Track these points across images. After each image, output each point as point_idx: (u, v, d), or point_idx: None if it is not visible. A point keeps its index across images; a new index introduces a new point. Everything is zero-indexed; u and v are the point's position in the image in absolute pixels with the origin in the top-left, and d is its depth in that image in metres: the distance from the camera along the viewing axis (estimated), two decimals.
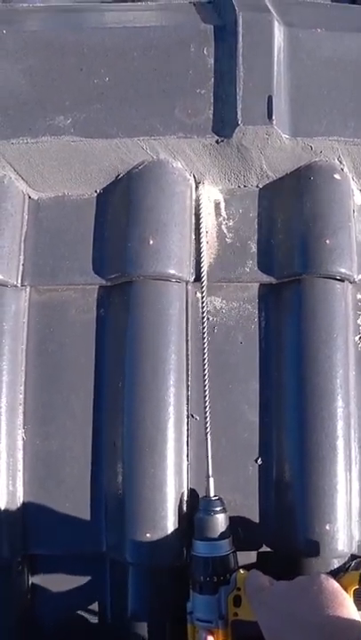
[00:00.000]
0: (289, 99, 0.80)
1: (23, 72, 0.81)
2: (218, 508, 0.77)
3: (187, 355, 0.84)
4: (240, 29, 0.79)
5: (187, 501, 0.81)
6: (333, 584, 0.64)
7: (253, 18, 0.79)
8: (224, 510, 0.78)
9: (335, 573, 0.76)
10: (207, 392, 0.82)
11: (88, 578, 0.86)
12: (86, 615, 0.88)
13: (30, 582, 0.86)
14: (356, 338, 0.86)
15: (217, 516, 0.77)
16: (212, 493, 0.79)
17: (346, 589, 0.65)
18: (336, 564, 0.80)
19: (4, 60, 0.81)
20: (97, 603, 0.86)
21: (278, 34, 0.79)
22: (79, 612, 0.88)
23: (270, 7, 0.81)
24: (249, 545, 0.82)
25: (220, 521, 0.77)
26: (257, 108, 0.78)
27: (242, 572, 0.74)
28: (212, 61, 0.81)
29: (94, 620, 0.87)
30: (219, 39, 0.81)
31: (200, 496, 0.80)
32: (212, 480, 0.79)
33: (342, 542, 0.78)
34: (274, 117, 0.77)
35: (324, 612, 0.59)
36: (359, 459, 0.82)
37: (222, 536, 0.76)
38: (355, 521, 0.80)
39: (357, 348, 0.86)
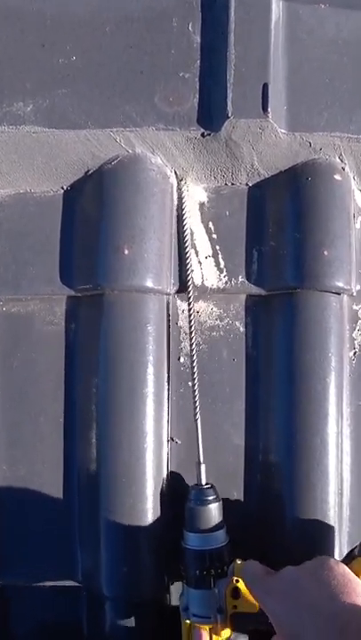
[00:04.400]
0: (287, 87, 0.69)
1: None
2: (210, 497, 0.72)
3: (168, 374, 0.77)
4: (232, 1, 0.66)
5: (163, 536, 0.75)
6: (344, 569, 0.60)
7: None
8: (217, 499, 0.72)
9: (344, 558, 0.74)
10: (197, 409, 0.74)
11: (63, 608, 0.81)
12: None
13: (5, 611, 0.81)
14: (351, 353, 0.79)
15: (210, 505, 0.71)
16: (203, 481, 0.73)
17: (357, 575, 0.61)
18: None
19: None
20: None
21: (276, 9, 0.67)
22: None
23: None
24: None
25: (214, 511, 0.72)
26: (250, 98, 0.67)
27: (238, 562, 0.70)
28: (199, 39, 0.68)
29: None
30: (207, 12, 0.68)
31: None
32: (203, 466, 0.73)
33: None
34: (269, 109, 0.67)
35: (337, 599, 0.56)
36: (349, 485, 0.77)
37: (217, 527, 0.71)
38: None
39: (352, 364, 0.79)
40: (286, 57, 0.69)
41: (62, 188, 0.77)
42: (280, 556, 0.71)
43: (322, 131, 0.70)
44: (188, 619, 0.70)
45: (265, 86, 0.67)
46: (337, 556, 0.74)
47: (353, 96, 0.70)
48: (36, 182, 0.76)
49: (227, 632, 0.69)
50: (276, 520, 0.76)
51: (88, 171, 0.75)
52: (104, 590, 0.75)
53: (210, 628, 0.69)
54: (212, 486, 0.73)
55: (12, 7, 0.68)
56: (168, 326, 0.77)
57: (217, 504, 0.72)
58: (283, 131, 0.69)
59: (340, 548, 0.75)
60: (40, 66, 0.69)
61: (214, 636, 0.69)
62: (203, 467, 0.73)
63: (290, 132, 0.69)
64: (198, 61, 0.69)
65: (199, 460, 0.74)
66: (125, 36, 0.69)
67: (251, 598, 0.67)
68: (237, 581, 0.68)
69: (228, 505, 0.74)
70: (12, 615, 0.81)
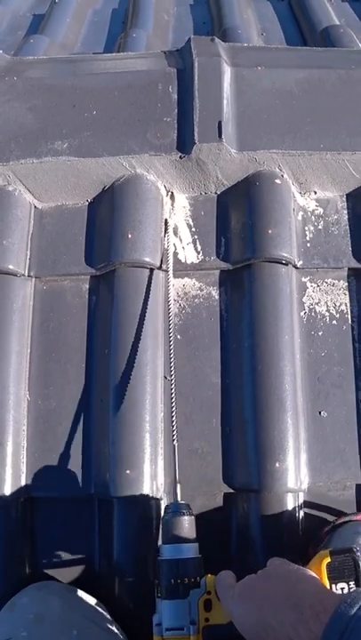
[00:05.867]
0: (236, 122, 1.02)
1: (30, 109, 1.05)
2: (184, 511, 0.81)
3: (165, 327, 1.03)
4: (196, 71, 1.02)
5: (161, 447, 0.98)
6: (288, 565, 0.69)
7: (206, 62, 1.02)
8: (190, 515, 0.81)
9: (315, 545, 0.87)
10: (175, 439, 0.90)
11: (80, 520, 1.02)
12: (78, 557, 1.03)
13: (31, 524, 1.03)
14: (302, 313, 1.04)
15: (185, 517, 0.80)
16: (179, 497, 0.85)
17: (321, 565, 0.71)
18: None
19: (15, 101, 1.05)
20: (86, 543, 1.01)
21: (226, 73, 1.02)
22: (72, 553, 1.02)
23: (222, 53, 1.04)
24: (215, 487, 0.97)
25: (188, 524, 0.79)
26: (210, 130, 0.99)
27: (210, 575, 0.75)
28: (176, 96, 1.04)
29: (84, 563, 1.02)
30: (181, 79, 1.04)
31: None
32: (178, 486, 0.87)
33: (291, 480, 0.94)
34: (223, 136, 0.99)
35: (288, 588, 0.63)
36: (304, 409, 0.99)
37: (190, 539, 0.79)
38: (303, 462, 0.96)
39: (302, 321, 1.04)
40: (235, 102, 1.02)
41: (87, 200, 1.10)
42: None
43: (263, 149, 1.01)
44: (161, 635, 0.73)
45: (219, 122, 0.99)
46: (291, 457, 0.94)
47: (283, 124, 1.01)
48: (69, 197, 1.10)
49: None
50: (242, 440, 0.97)
51: (105, 186, 1.08)
52: (111, 492, 0.96)
53: None
54: (188, 504, 0.83)
55: (56, 84, 1.06)
56: (162, 296, 1.05)
57: (190, 518, 0.80)
58: (234, 150, 1.01)
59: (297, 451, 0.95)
60: (72, 118, 1.04)
61: None
62: (178, 486, 0.86)
63: (240, 151, 1.01)
64: (175, 110, 1.03)
65: (175, 479, 0.87)
66: (127, 97, 1.04)
67: (223, 610, 0.71)
68: (210, 593, 0.73)
69: (208, 429, 0.96)
70: (39, 520, 1.02)
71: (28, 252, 1.07)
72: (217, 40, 1.09)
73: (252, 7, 1.82)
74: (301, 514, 0.97)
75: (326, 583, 0.68)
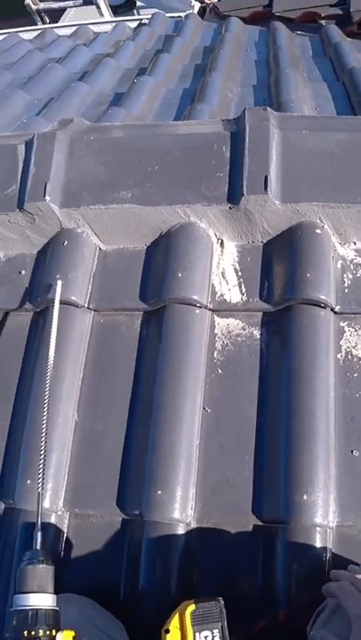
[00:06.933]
0: (281, 177, 1.12)
1: (102, 163, 1.21)
2: (42, 559, 0.77)
3: (206, 362, 1.11)
4: (247, 133, 1.14)
5: (194, 472, 1.02)
6: None
7: (257, 125, 1.15)
8: (49, 564, 0.77)
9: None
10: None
11: (111, 538, 1.06)
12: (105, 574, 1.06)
13: (65, 537, 1.08)
14: (338, 355, 1.09)
15: (41, 566, 0.76)
16: (38, 546, 0.82)
17: (185, 612, 0.72)
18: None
19: (90, 156, 1.21)
20: (114, 561, 1.06)
21: (274, 135, 1.14)
22: (100, 570, 1.05)
23: (271, 119, 1.17)
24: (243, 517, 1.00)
25: (44, 573, 0.75)
26: (257, 184, 1.10)
27: (67, 631, 0.73)
28: (229, 155, 1.16)
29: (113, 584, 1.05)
30: (233, 140, 1.17)
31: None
32: (39, 533, 0.85)
33: (319, 514, 0.95)
34: (268, 189, 1.09)
35: None
36: (336, 447, 1.01)
37: (46, 590, 0.74)
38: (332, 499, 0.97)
39: (339, 363, 1.08)
40: (281, 161, 1.13)
41: (145, 244, 1.23)
42: None
43: (304, 201, 1.10)
44: None
45: (265, 177, 1.10)
46: (319, 491, 0.95)
47: (324, 180, 1.11)
48: (130, 240, 1.23)
49: None
50: (274, 472, 1.00)
51: (162, 232, 1.20)
52: (142, 512, 1.01)
53: None
54: (46, 552, 0.80)
55: (125, 143, 1.22)
56: (207, 332, 1.13)
57: (47, 567, 0.76)
58: (278, 202, 1.10)
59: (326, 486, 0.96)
60: (137, 172, 1.19)
61: None
62: (39, 533, 0.84)
63: (283, 203, 1.11)
64: (228, 167, 1.15)
65: (37, 526, 0.84)
66: (186, 155, 1.18)
67: None
68: None
69: (242, 463, 1.01)
70: (72, 535, 1.07)
71: (90, 287, 1.20)
72: (269, 109, 1.22)
73: (309, 87, 1.99)
74: (329, 554, 0.97)
75: (189, 630, 0.69)
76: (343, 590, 0.78)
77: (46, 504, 1.05)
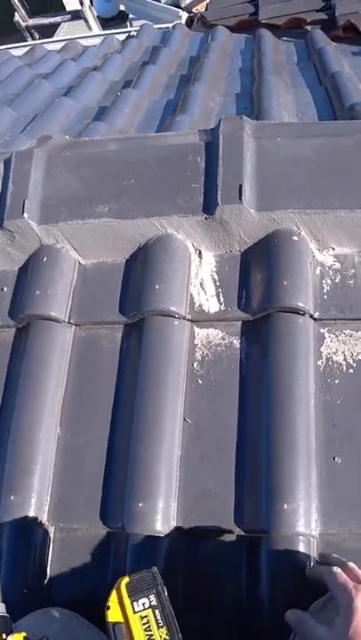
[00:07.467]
0: (256, 186, 1.12)
1: (79, 178, 1.21)
2: None
3: (186, 373, 1.11)
4: (220, 144, 1.15)
5: (175, 483, 1.02)
6: None
7: (230, 134, 1.15)
8: None
9: None
10: None
11: (95, 550, 1.06)
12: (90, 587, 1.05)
13: (51, 551, 1.07)
14: (319, 362, 1.08)
15: None
16: None
17: (120, 586, 0.75)
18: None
19: (68, 172, 1.22)
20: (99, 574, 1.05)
21: (247, 144, 1.14)
22: (85, 583, 1.04)
23: (246, 127, 1.17)
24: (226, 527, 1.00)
25: None
26: (231, 193, 1.11)
27: (17, 634, 0.75)
28: (203, 165, 1.16)
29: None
30: (208, 150, 1.17)
31: None
32: None
33: (301, 523, 0.94)
34: (243, 198, 1.09)
35: None
36: (318, 454, 1.00)
37: None
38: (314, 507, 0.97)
39: (319, 369, 1.08)
40: (255, 169, 1.13)
41: (124, 257, 1.23)
42: None
43: (280, 209, 1.10)
44: None
45: (240, 186, 1.10)
46: (300, 500, 0.95)
47: (299, 186, 1.11)
48: (109, 254, 1.23)
49: None
50: (255, 481, 1.00)
51: (140, 245, 1.21)
52: (124, 524, 1.00)
53: None
54: None
55: (101, 158, 1.22)
56: (187, 343, 1.13)
57: None
58: (254, 211, 1.11)
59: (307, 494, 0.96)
60: (113, 186, 1.19)
61: None
62: None
63: (258, 211, 1.11)
64: (203, 177, 1.16)
65: None
66: (161, 167, 1.19)
67: None
68: None
69: (223, 469, 1.01)
70: (57, 549, 1.07)
71: (70, 302, 1.20)
72: (245, 118, 1.23)
73: (291, 93, 2.00)
74: (313, 562, 0.96)
75: (127, 602, 0.73)
76: (335, 578, 0.80)
77: (31, 518, 1.04)
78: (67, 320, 1.19)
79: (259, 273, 1.13)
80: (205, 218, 1.13)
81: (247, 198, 1.10)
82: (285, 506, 0.95)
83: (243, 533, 0.99)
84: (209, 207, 1.13)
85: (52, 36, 4.71)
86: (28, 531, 1.05)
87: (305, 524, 0.94)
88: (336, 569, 0.82)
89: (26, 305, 1.19)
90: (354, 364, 1.08)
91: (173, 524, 1.00)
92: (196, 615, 0.96)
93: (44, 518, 1.06)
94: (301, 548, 0.95)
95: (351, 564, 0.85)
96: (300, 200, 1.10)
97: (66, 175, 1.22)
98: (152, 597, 0.74)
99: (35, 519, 1.05)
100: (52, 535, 1.07)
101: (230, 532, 0.99)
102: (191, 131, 1.28)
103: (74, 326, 1.21)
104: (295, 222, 1.12)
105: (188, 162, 1.18)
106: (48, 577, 1.04)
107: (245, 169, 1.13)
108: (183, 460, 1.04)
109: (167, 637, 0.72)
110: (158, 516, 0.99)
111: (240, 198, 1.10)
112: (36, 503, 1.05)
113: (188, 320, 1.15)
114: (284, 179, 1.13)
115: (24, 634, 0.74)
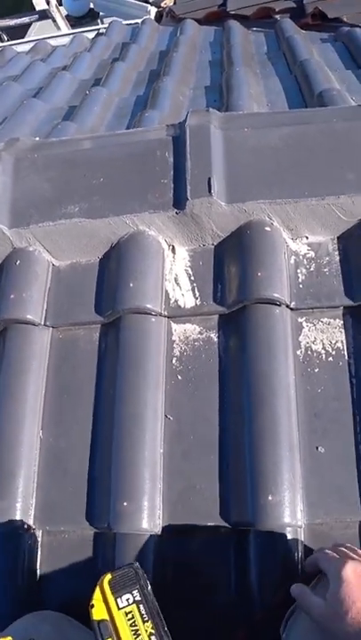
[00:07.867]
0: (225, 178, 1.12)
1: (48, 180, 1.20)
2: None
3: (165, 369, 1.10)
4: (187, 137, 1.14)
5: (159, 481, 1.02)
6: None
7: (197, 127, 1.15)
8: None
9: None
10: None
11: (83, 553, 1.05)
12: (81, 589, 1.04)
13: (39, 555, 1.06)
14: (298, 352, 1.08)
15: None
16: None
17: (103, 583, 0.76)
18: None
19: (36, 174, 1.21)
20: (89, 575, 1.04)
21: (215, 136, 1.14)
22: (75, 585, 1.03)
23: (212, 119, 1.17)
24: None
25: None
26: (200, 187, 1.10)
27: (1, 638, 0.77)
28: (172, 160, 1.16)
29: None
30: (176, 145, 1.16)
31: None
32: None
33: (286, 514, 0.94)
34: (212, 191, 1.09)
35: None
36: (300, 445, 1.00)
37: None
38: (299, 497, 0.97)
39: (298, 359, 1.08)
40: (224, 161, 1.13)
41: (98, 257, 1.22)
42: None
43: (250, 200, 1.10)
44: None
45: (209, 179, 1.10)
46: (285, 491, 0.95)
47: (269, 176, 1.10)
48: (82, 254, 1.22)
49: None
50: (239, 475, 0.99)
51: (112, 244, 1.20)
52: (110, 524, 1.00)
53: None
54: None
55: (69, 158, 1.21)
56: (164, 340, 1.13)
57: None
58: (224, 203, 1.10)
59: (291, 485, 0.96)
60: (82, 186, 1.18)
61: None
62: None
63: (229, 203, 1.10)
64: (171, 172, 1.15)
65: None
66: (130, 164, 1.18)
67: None
68: None
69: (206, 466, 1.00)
70: (45, 552, 1.06)
71: (45, 304, 1.19)
72: (212, 110, 1.22)
73: (261, 84, 1.99)
74: (301, 553, 0.96)
75: (111, 599, 0.73)
76: (325, 555, 0.86)
77: (17, 523, 1.03)
78: (43, 323, 1.18)
79: (233, 265, 1.13)
80: (176, 213, 1.12)
81: (217, 191, 1.10)
82: (270, 498, 0.95)
83: (229, 527, 0.98)
84: (179, 202, 1.12)
85: (23, 38, 4.66)
86: (15, 535, 1.04)
87: (291, 515, 0.94)
88: (325, 549, 0.88)
89: (1, 309, 1.17)
90: (333, 352, 1.08)
91: (159, 521, 0.99)
92: (186, 610, 0.96)
93: (30, 522, 1.05)
94: (289, 539, 0.95)
95: (337, 543, 0.91)
96: (270, 190, 1.10)
97: (35, 177, 1.21)
98: (135, 592, 0.74)
99: (21, 523, 1.04)
100: (39, 539, 1.06)
101: (217, 526, 0.99)
102: (159, 126, 1.27)
103: (51, 328, 1.19)
104: (267, 213, 1.11)
105: (156, 157, 1.17)
106: (37, 580, 1.03)
107: (214, 162, 1.12)
108: (166, 457, 1.04)
109: (153, 631, 0.72)
110: (144, 514, 0.99)
111: (210, 191, 1.09)
112: (22, 507, 1.04)
113: (164, 316, 1.14)
114: (254, 169, 1.12)
115: (9, 638, 0.74)
